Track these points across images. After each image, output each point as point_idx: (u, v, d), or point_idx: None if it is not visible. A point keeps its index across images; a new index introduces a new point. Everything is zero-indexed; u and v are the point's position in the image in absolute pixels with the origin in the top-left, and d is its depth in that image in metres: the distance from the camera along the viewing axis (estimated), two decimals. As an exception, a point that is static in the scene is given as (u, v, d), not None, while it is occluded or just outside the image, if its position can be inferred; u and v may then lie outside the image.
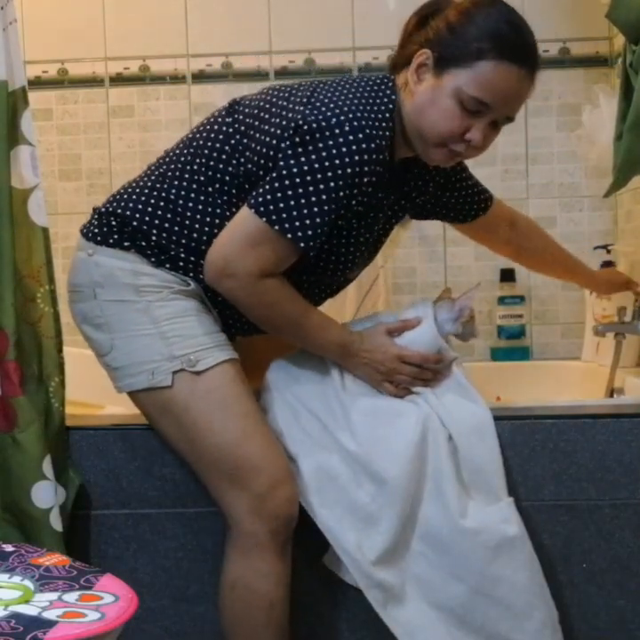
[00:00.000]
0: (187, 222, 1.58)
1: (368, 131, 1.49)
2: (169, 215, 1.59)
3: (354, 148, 1.48)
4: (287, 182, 1.49)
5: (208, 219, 1.58)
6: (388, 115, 1.54)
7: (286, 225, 1.49)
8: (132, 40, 2.77)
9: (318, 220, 1.50)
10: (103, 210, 1.63)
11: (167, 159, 1.64)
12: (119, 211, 1.61)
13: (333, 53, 2.76)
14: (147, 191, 1.61)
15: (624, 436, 1.69)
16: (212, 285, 1.56)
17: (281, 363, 1.69)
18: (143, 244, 1.59)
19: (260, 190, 1.51)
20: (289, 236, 1.50)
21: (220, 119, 1.62)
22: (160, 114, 2.80)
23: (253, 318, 1.60)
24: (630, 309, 2.17)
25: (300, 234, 1.50)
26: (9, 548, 1.22)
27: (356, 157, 1.49)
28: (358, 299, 2.55)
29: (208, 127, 1.63)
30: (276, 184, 1.49)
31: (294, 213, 1.49)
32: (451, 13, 1.54)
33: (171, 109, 2.80)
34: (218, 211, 1.58)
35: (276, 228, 1.49)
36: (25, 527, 1.64)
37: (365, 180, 1.51)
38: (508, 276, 2.73)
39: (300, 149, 1.49)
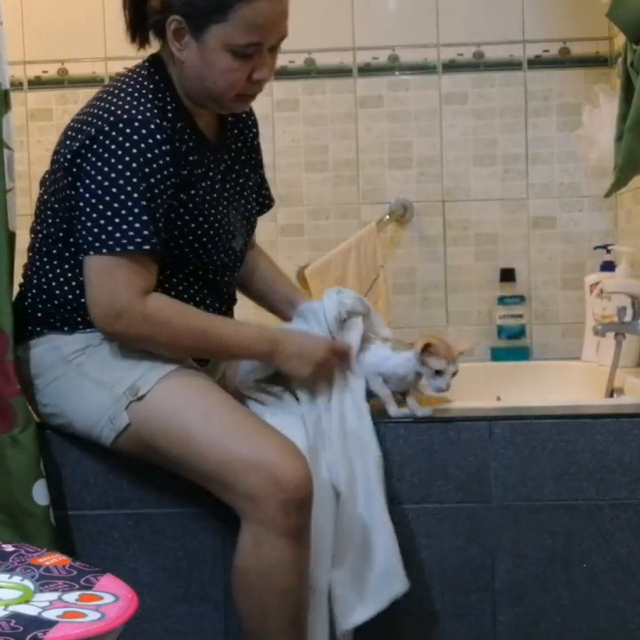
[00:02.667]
0: (57, 292, 1.64)
1: (138, 122, 1.51)
2: (44, 296, 1.65)
3: (133, 141, 1.50)
4: (89, 204, 1.51)
5: (70, 275, 1.62)
6: (158, 94, 1.56)
7: (117, 241, 1.51)
8: (131, 40, 2.77)
9: (144, 217, 1.51)
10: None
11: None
12: (19, 313, 1.68)
13: (333, 53, 2.76)
14: (23, 289, 1.70)
15: (624, 436, 1.69)
16: (113, 337, 1.59)
17: None
18: (51, 320, 1.65)
19: (79, 229, 1.54)
20: (131, 247, 1.51)
21: (37, 199, 1.68)
22: (160, 114, 2.80)
23: (162, 348, 1.60)
24: (630, 309, 2.17)
25: (137, 240, 1.51)
26: (9, 548, 1.22)
27: (142, 146, 1.50)
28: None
29: (34, 211, 1.69)
30: (83, 216, 1.52)
31: (115, 226, 1.51)
32: None
33: (171, 109, 2.80)
34: (72, 262, 1.62)
35: (105, 251, 1.51)
36: (22, 526, 1.64)
37: (166, 159, 1.52)
38: (507, 275, 2.73)
39: (86, 169, 1.51)
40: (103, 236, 1.51)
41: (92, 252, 1.53)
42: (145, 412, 1.56)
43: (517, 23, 2.73)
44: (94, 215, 1.51)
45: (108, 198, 1.51)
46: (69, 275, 1.62)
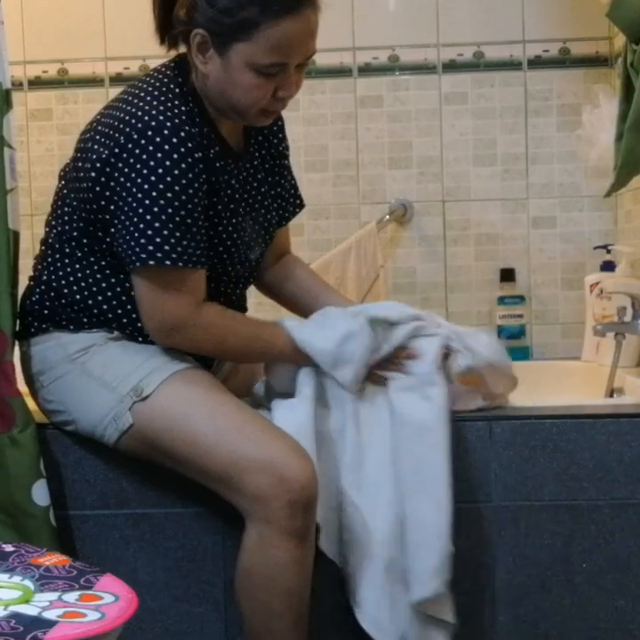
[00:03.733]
0: (65, 291, 1.63)
1: (167, 130, 1.49)
2: (52, 294, 1.64)
3: (164, 151, 1.48)
4: (136, 217, 1.49)
5: (80, 275, 1.61)
6: (176, 101, 1.54)
7: (173, 255, 1.50)
8: (131, 40, 2.76)
9: (188, 234, 1.51)
10: (19, 312, 1.70)
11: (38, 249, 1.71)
12: (26, 309, 1.68)
13: (333, 53, 2.76)
14: (32, 283, 1.68)
15: (624, 436, 1.69)
16: (172, 347, 1.60)
17: None
18: (57, 318, 1.64)
19: (122, 241, 1.52)
20: (180, 264, 1.51)
21: (55, 192, 1.66)
22: (160, 114, 2.80)
23: (222, 353, 1.66)
24: (630, 309, 2.17)
25: (185, 257, 1.51)
26: (9, 547, 1.22)
27: (173, 157, 1.48)
28: (358, 299, 2.55)
29: (51, 203, 1.67)
30: (130, 226, 1.50)
31: (163, 239, 1.49)
32: None
33: (171, 109, 2.79)
34: (84, 262, 1.61)
35: (168, 263, 1.50)
36: (22, 527, 1.63)
37: (196, 170, 1.50)
38: (508, 275, 2.73)
39: (122, 180, 1.49)
40: (165, 248, 1.49)
41: (144, 258, 1.50)
42: (149, 412, 1.56)
43: (517, 23, 2.73)
44: (142, 226, 1.49)
45: (156, 209, 1.48)
46: (79, 274, 1.61)
